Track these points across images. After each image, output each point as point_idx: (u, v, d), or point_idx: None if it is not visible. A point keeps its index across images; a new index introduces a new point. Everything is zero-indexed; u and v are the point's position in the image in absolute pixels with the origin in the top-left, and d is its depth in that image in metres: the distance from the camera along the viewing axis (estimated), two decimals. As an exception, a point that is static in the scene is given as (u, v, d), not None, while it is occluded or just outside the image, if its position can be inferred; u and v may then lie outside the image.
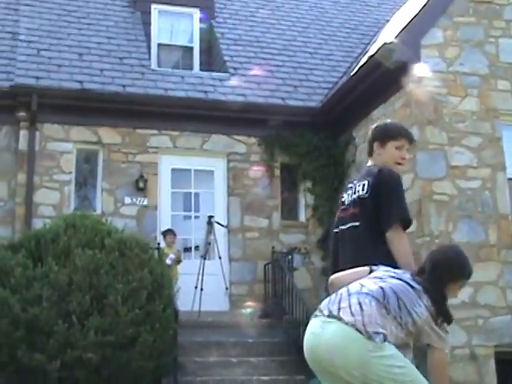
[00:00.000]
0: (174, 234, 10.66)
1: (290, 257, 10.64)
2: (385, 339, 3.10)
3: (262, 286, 11.08)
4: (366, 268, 3.50)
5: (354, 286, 3.32)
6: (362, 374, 3.09)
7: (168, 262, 9.96)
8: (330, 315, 3.20)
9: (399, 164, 4.22)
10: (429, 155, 9.40)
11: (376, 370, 3.08)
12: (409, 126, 9.60)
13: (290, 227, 11.71)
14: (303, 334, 3.37)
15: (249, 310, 10.65)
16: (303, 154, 11.82)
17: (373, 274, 3.43)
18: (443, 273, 3.37)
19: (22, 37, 11.98)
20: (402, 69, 9.65)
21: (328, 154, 11.86)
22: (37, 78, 11.03)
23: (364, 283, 3.32)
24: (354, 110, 10.90)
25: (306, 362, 3.34)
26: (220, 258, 10.62)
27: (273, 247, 11.06)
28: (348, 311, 3.16)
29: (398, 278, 3.34)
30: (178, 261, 10.38)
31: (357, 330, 3.09)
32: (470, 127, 9.66)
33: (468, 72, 9.83)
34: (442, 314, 3.31)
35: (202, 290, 10.14)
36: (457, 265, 3.43)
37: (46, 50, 11.80)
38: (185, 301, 10.12)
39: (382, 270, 3.44)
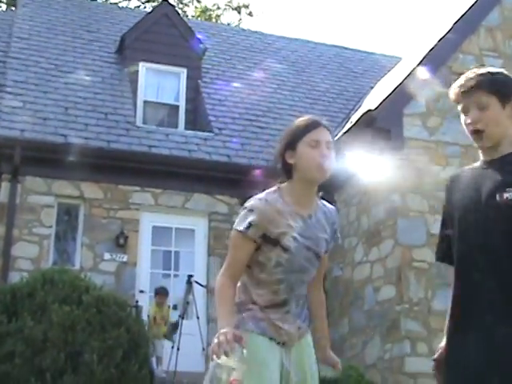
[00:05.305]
0: (165, 294, 10.41)
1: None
2: None
3: (238, 348, 10.93)
4: None
5: None
6: None
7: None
8: None
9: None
10: (409, 222, 9.47)
11: None
12: (390, 193, 9.72)
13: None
14: None
15: None
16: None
17: None
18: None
19: (8, 89, 12.02)
20: (385, 136, 9.79)
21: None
22: (21, 130, 11.04)
23: None
24: (336, 174, 10.95)
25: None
26: (198, 318, 10.50)
27: (251, 309, 10.95)
28: None
29: None
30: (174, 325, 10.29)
31: None
32: (450, 196, 9.75)
33: (449, 142, 9.98)
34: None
35: (178, 349, 10.01)
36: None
37: (31, 102, 11.83)
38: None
39: None
